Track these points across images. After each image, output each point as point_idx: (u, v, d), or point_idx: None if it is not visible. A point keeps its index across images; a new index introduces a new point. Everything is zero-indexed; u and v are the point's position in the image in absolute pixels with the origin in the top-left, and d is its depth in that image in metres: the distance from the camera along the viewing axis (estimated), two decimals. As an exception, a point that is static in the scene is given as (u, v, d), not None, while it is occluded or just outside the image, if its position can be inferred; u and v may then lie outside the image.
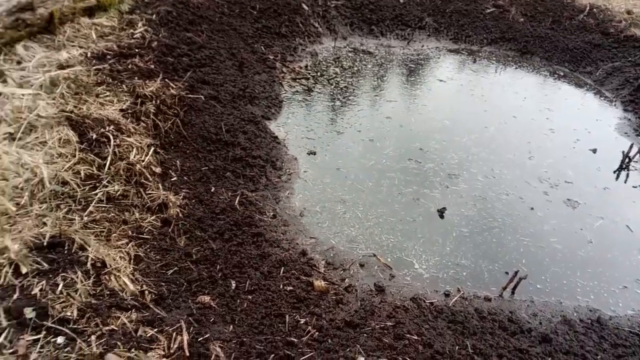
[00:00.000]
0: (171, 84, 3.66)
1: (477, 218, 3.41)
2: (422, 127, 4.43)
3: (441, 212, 3.39)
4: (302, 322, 2.26)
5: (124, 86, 3.40)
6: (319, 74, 5.19)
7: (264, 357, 1.96)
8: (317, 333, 2.19)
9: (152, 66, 3.78)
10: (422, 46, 6.22)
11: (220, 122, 3.71)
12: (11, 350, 1.77)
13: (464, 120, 4.64)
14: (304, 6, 6.06)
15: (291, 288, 2.53)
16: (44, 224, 2.30)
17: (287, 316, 2.27)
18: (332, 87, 4.97)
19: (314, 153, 3.91)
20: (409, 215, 3.35)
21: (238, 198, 3.09)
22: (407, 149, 4.05)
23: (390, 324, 2.36)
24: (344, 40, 6.09)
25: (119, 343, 1.86)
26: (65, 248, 2.17)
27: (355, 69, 5.42)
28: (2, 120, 2.78)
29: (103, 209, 2.54)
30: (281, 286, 2.53)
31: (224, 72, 4.39)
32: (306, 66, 5.31)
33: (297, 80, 5.00)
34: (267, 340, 2.08)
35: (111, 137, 2.88)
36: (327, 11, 6.32)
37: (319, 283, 2.62)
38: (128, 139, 2.97)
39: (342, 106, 4.64)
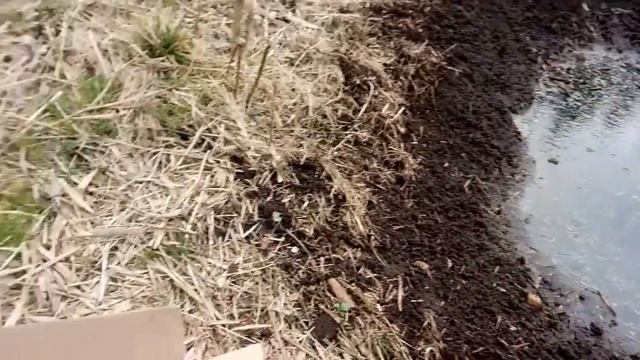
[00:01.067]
0: (433, 52, 3.65)
1: None
2: (694, 172, 3.76)
3: (695, 274, 2.86)
4: (512, 329, 2.13)
5: (391, 42, 3.49)
6: (581, 80, 4.71)
7: (472, 346, 1.90)
8: (527, 347, 2.05)
9: (420, 30, 3.81)
10: None
11: (469, 102, 3.61)
12: (256, 243, 1.97)
13: None
14: (585, 6, 5.50)
15: (504, 290, 2.40)
16: (301, 145, 2.50)
17: (498, 316, 2.16)
18: (593, 99, 4.48)
19: (556, 162, 3.59)
20: (652, 264, 2.90)
21: (469, 182, 3.00)
22: (669, 191, 3.48)
23: (609, 371, 2.10)
24: (619, 53, 5.39)
25: (342, 273, 1.96)
26: (316, 172, 2.33)
27: (625, 87, 4.79)
28: (286, 45, 3.07)
29: (349, 149, 2.67)
30: (494, 284, 2.41)
31: (483, 53, 4.24)
32: (568, 69, 4.85)
33: (555, 80, 4.60)
34: (476, 331, 2.00)
35: (372, 86, 2.99)
36: (608, 17, 5.65)
37: (534, 298, 2.44)
38: (385, 92, 3.05)
39: (599, 122, 4.16)
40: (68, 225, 1.76)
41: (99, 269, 1.68)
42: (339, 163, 2.53)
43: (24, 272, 1.62)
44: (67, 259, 1.68)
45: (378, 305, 1.90)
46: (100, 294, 1.61)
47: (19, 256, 1.66)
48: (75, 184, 1.88)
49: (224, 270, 1.82)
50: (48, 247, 1.70)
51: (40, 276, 1.61)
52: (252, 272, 1.85)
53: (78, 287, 1.62)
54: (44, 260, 1.66)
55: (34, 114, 2.04)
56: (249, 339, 1.67)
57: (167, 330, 1.06)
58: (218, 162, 2.18)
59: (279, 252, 1.97)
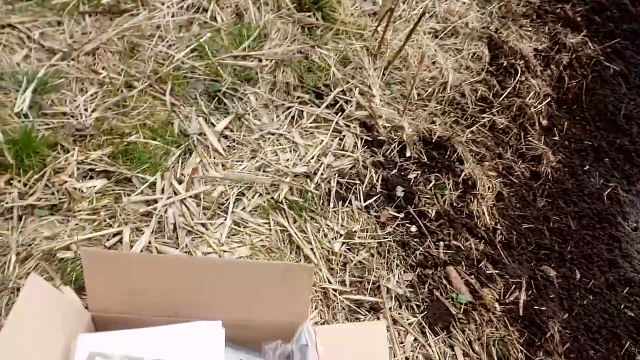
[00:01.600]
0: (590, 44, 3.29)
1: None
2: None
3: None
4: (639, 359, 1.90)
5: (546, 28, 3.19)
6: None
7: (596, 369, 1.71)
8: (656, 382, 1.81)
9: (579, 19, 3.45)
10: None
11: (621, 104, 3.23)
12: (376, 214, 1.90)
13: None
14: None
15: (632, 314, 2.14)
16: (433, 122, 2.37)
17: (624, 342, 1.93)
18: None
19: None
20: None
21: (609, 190, 2.70)
22: None
23: None
24: None
25: (462, 263, 1.84)
26: (447, 153, 2.20)
27: None
28: (433, 16, 2.90)
29: (484, 134, 2.49)
30: (622, 306, 2.16)
31: (645, 53, 3.77)
32: None
33: None
34: (600, 353, 1.80)
35: (519, 70, 2.76)
36: None
37: (667, 329, 2.15)
38: (531, 79, 2.80)
39: None
40: (201, 163, 1.80)
41: (225, 212, 1.70)
42: (472, 147, 2.37)
43: (155, 201, 1.68)
44: (196, 196, 1.72)
45: (497, 305, 1.76)
46: (223, 235, 1.63)
47: (152, 185, 1.73)
48: (213, 125, 1.92)
49: (341, 235, 1.78)
50: (180, 182, 1.75)
51: (170, 208, 1.67)
52: (368, 243, 1.79)
53: (203, 225, 1.65)
54: (175, 193, 1.71)
55: (183, 51, 2.09)
56: (358, 310, 1.62)
57: (298, 286, 1.02)
58: (348, 126, 2.12)
59: (397, 228, 1.89)
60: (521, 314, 1.76)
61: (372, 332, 1.11)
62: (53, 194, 1.64)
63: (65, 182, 1.67)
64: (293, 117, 2.09)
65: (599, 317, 2.02)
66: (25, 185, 1.63)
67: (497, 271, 1.88)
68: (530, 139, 2.62)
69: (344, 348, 1.10)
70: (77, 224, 1.58)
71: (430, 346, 1.57)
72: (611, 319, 2.06)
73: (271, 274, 1.03)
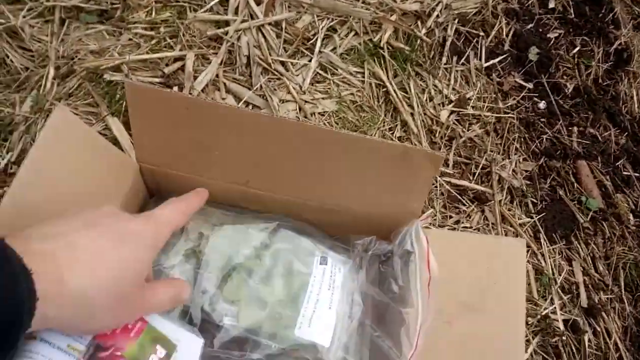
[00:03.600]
0: None
1: None
2: None
3: None
4: None
5: None
6: None
7: None
8: None
9: None
10: None
11: None
12: (498, 80, 1.49)
13: None
14: None
15: None
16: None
17: None
18: None
19: None
20: None
21: None
22: None
23: None
24: None
25: (598, 157, 1.45)
26: (602, 11, 1.67)
27: None
28: None
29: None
30: None
31: None
32: None
33: None
34: None
35: None
36: None
37: None
38: None
39: None
40: (287, -19, 1.39)
41: (311, 50, 1.33)
42: (635, 7, 1.80)
43: (227, 23, 1.32)
44: (276, 24, 1.34)
45: (631, 217, 1.40)
46: (306, 80, 1.29)
47: (225, 1, 1.35)
48: None
49: (451, 101, 1.40)
50: (258, 2, 1.36)
51: (244, 35, 1.31)
52: (485, 116, 1.41)
53: (283, 63, 1.30)
54: (252, 17, 1.34)
55: None
56: (460, 197, 1.30)
57: (416, 176, 0.71)
58: (481, -47, 1.60)
59: (522, 102, 1.48)
60: (661, 233, 1.41)
61: (507, 251, 0.79)
62: (103, -4, 1.30)
63: (118, -18, 1.32)
64: None
65: None
66: (68, -20, 1.29)
67: (637, 174, 1.49)
68: None
69: (465, 267, 0.79)
70: (130, 40, 1.26)
71: (543, 256, 1.27)
72: None
73: (382, 154, 0.70)
